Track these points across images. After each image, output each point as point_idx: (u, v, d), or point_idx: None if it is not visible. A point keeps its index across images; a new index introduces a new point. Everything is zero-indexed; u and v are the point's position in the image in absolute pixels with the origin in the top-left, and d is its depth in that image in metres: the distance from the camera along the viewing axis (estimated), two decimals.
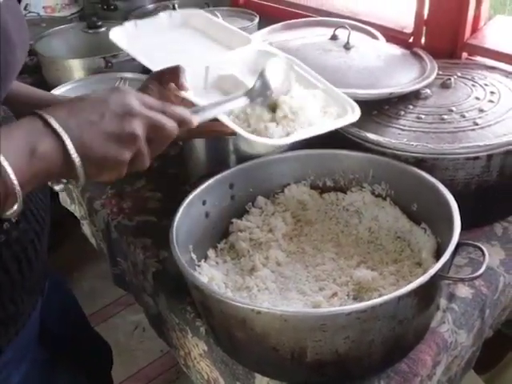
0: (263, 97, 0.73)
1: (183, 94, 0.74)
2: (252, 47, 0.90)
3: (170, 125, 0.57)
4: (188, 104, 0.73)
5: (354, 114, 0.77)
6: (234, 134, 0.73)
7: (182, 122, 0.59)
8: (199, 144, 0.94)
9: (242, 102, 0.72)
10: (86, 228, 1.17)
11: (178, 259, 0.69)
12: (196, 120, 0.62)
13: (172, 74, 0.73)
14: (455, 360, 0.78)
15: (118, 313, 1.76)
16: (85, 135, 0.51)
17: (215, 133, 0.78)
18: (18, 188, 0.48)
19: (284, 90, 0.75)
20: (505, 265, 0.84)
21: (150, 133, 0.55)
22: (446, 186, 0.77)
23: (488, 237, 0.89)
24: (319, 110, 0.77)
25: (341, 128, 0.90)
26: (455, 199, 0.74)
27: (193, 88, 0.75)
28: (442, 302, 0.78)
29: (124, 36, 0.92)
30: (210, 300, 0.66)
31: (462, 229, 0.69)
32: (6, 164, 0.47)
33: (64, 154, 0.51)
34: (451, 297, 0.79)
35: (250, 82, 0.77)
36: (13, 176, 0.47)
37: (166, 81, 0.73)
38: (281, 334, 0.62)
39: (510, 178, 0.86)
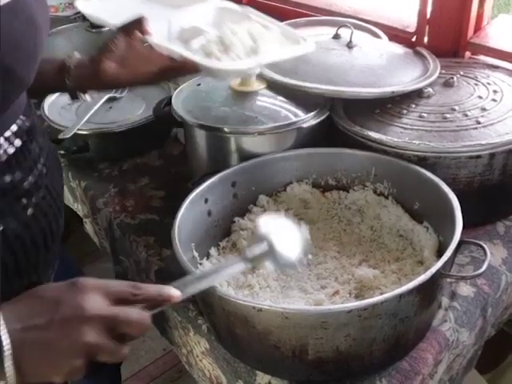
0: (269, 259, 0.61)
1: (148, 39, 0.77)
2: (211, 4, 0.91)
3: (138, 317, 0.51)
4: (155, 52, 0.78)
5: (307, 44, 0.83)
6: (196, 70, 0.78)
7: (160, 301, 0.55)
8: (202, 143, 0.94)
9: (240, 267, 0.61)
10: (89, 226, 1.18)
11: (180, 257, 0.69)
12: (178, 294, 0.55)
13: (136, 24, 0.78)
14: (457, 359, 0.78)
15: None
16: (27, 342, 0.48)
17: (178, 69, 0.80)
18: None
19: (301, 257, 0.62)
20: (507, 263, 0.84)
21: (112, 330, 0.50)
22: (449, 184, 0.77)
23: (490, 236, 0.89)
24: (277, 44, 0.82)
25: (343, 127, 0.91)
26: (457, 198, 0.74)
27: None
28: (444, 300, 0.78)
29: (89, 7, 0.94)
30: (212, 297, 0.66)
31: (465, 227, 0.69)
32: None
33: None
34: (453, 295, 0.79)
35: (212, 32, 0.82)
36: None
37: (131, 30, 0.77)
38: (282, 331, 0.62)
39: None
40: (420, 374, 0.70)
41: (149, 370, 1.64)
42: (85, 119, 1.09)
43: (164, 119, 1.01)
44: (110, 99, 1.20)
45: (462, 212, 0.71)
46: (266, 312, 0.60)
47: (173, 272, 0.87)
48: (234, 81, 0.96)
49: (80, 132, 1.08)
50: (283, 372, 0.69)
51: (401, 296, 0.60)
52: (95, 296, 0.50)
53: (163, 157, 1.16)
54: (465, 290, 0.80)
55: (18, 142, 0.66)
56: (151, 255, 0.92)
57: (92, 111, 1.12)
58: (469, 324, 0.76)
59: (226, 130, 0.88)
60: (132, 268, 1.00)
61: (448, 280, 0.80)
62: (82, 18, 1.75)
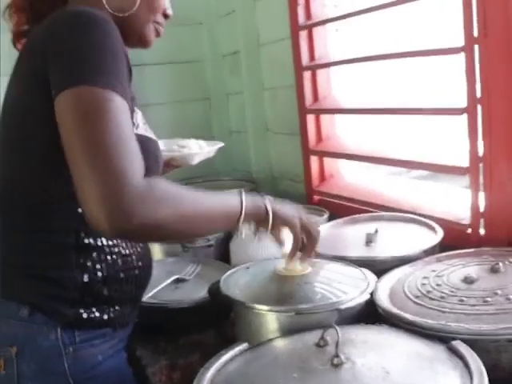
0: None
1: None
2: None
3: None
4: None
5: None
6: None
7: None
8: (245, 319, 0.98)
9: None
10: None
11: None
12: None
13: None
14: None
15: None
16: (278, 212, 0.98)
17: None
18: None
19: None
20: None
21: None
22: (489, 371, 0.72)
23: None
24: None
25: (383, 310, 0.91)
26: None
27: None
28: None
29: None
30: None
31: None
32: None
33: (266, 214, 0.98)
34: None
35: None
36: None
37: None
38: None
39: None
40: None
41: None
42: (149, 295, 1.19)
43: (216, 298, 1.07)
44: (178, 280, 1.30)
45: None
46: None
47: None
48: (280, 264, 1.04)
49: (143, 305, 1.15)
50: None
51: None
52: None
53: (218, 336, 1.19)
54: None
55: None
56: None
57: (157, 289, 1.22)
58: None
59: (263, 308, 0.93)
60: None
61: None
62: None
